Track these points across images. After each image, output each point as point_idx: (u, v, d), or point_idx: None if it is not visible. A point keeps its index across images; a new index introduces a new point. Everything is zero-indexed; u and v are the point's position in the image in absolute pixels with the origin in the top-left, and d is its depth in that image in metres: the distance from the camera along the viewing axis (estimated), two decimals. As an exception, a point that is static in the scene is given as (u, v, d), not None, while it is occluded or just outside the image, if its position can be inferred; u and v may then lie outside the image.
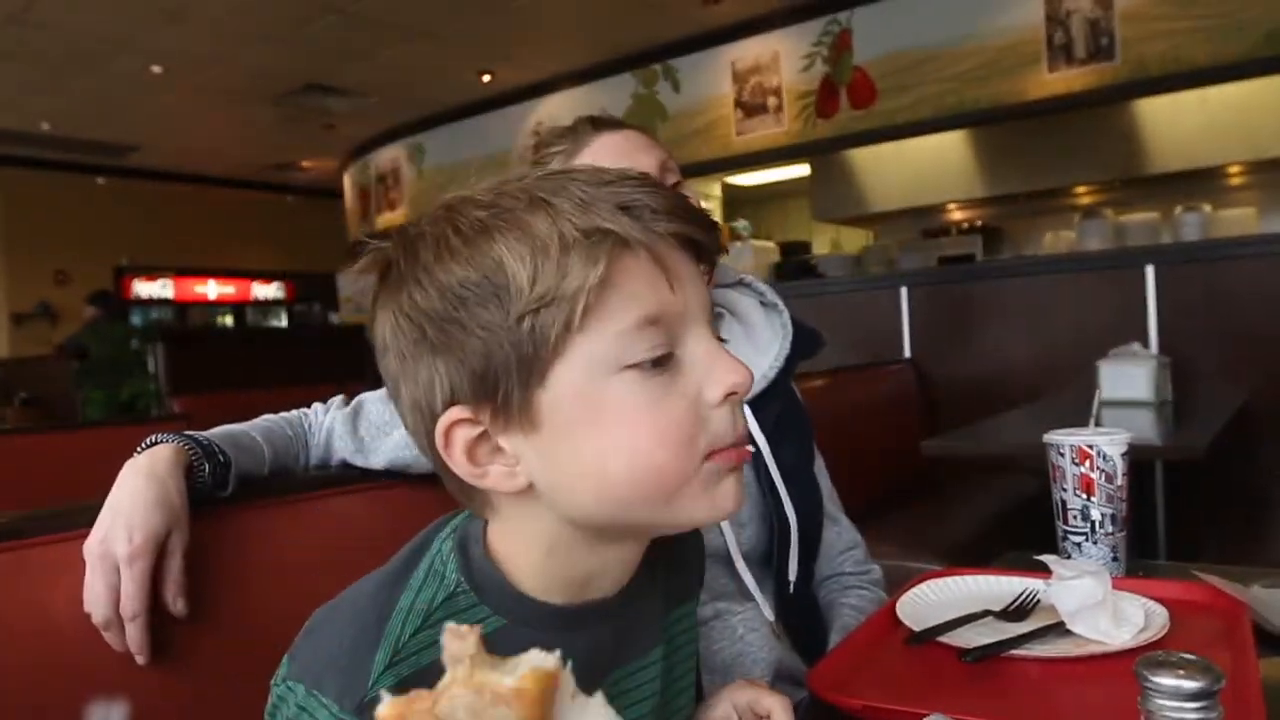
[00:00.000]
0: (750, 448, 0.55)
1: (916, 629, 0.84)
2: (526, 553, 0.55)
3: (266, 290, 11.10)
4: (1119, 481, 0.98)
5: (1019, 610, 0.88)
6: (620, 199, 0.51)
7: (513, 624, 0.53)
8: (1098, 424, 1.07)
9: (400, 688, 0.42)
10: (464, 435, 0.52)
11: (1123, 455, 0.98)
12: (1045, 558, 0.87)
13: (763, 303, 1.10)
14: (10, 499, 1.74)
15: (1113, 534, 0.98)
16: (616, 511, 0.52)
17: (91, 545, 0.75)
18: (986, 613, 0.87)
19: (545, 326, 0.49)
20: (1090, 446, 0.98)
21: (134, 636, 0.75)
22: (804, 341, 1.08)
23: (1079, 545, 0.98)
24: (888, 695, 0.68)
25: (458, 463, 0.52)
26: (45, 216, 8.96)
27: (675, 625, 0.65)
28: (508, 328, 0.49)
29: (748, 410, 1.03)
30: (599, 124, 1.03)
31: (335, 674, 0.50)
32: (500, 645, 0.40)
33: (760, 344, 1.07)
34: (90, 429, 3.02)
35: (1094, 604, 0.80)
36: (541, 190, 0.51)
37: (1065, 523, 0.99)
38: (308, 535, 0.93)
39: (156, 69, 6.35)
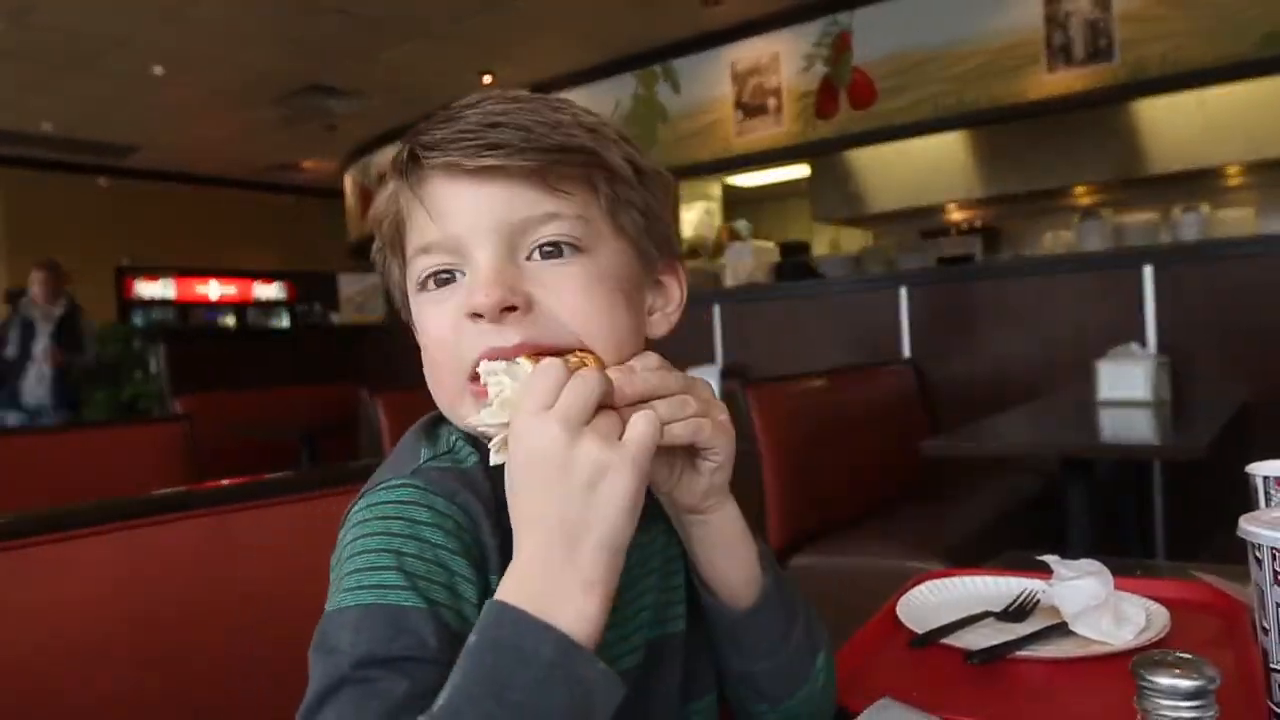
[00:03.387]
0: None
1: (917, 630, 0.84)
2: None
3: (268, 290, 11.09)
4: None
5: (1019, 611, 0.88)
6: (411, 141, 0.58)
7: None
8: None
9: (443, 466, 0.57)
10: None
11: None
12: (1047, 558, 0.88)
13: None
14: (10, 499, 1.74)
15: None
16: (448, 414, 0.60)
17: None
18: (987, 614, 0.88)
19: (383, 246, 0.62)
20: None
21: None
22: None
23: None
24: (895, 696, 0.68)
25: None
26: (46, 217, 8.95)
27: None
28: (382, 254, 0.63)
29: None
30: None
31: (387, 473, 0.58)
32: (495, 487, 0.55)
33: None
34: (90, 429, 3.03)
35: (1096, 604, 0.80)
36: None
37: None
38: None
39: (157, 69, 6.35)
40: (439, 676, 0.47)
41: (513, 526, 0.49)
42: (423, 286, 0.58)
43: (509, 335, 0.55)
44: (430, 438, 0.60)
